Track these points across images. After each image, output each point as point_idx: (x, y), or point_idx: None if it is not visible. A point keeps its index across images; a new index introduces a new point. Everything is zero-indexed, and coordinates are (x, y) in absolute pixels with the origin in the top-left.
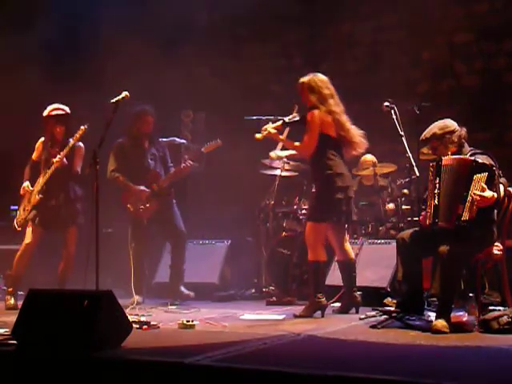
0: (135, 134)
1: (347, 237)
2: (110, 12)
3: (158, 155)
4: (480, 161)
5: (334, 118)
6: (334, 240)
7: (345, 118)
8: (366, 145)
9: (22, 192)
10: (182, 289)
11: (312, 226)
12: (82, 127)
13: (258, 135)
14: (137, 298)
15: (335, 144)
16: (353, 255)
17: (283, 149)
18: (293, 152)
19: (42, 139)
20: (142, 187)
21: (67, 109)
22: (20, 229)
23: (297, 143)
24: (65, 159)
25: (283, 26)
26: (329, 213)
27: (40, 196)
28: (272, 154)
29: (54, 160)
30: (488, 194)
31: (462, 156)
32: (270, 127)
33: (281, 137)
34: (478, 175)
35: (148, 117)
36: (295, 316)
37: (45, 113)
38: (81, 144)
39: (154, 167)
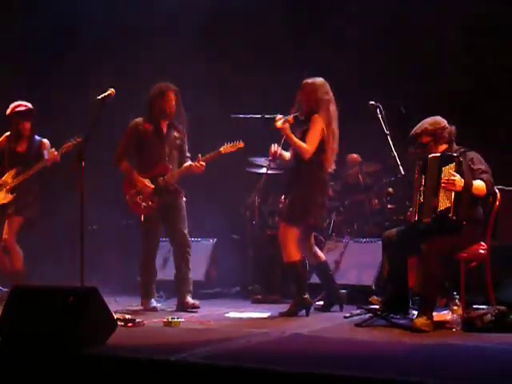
0: (154, 114)
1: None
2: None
3: (175, 142)
4: (447, 153)
5: (328, 127)
6: (303, 244)
7: (334, 128)
8: (331, 167)
9: None
10: (188, 299)
11: (283, 227)
12: (77, 139)
13: (279, 123)
14: (145, 301)
15: (323, 151)
16: (323, 256)
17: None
18: (287, 156)
19: (8, 134)
20: (147, 181)
21: (30, 105)
22: None
23: (300, 142)
24: (58, 157)
25: (270, 24)
26: (299, 218)
27: (14, 195)
28: (274, 149)
29: (49, 155)
30: (455, 177)
31: (437, 153)
32: (288, 119)
33: (289, 131)
34: (446, 166)
35: (170, 94)
36: (280, 314)
37: (8, 111)
38: (45, 140)
39: (170, 156)
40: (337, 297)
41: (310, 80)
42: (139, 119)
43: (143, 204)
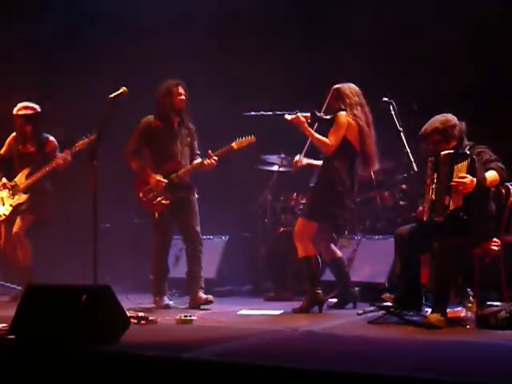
0: (165, 111)
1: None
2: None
3: (186, 140)
4: (460, 151)
5: (359, 124)
6: (320, 240)
7: (369, 131)
8: (376, 167)
9: (1, 189)
10: (200, 294)
11: (303, 223)
12: (90, 137)
13: (287, 116)
14: (157, 299)
15: (350, 151)
16: (339, 253)
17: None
18: (318, 163)
19: (14, 134)
20: (159, 176)
21: (37, 107)
22: None
23: (320, 137)
24: (69, 157)
25: (282, 20)
26: (322, 214)
27: (28, 194)
28: (297, 158)
29: (58, 158)
30: (467, 179)
31: (449, 150)
32: (300, 114)
33: (306, 125)
34: (458, 164)
35: (179, 89)
36: (293, 311)
37: (14, 110)
38: (52, 138)
39: (182, 153)
40: (350, 294)
41: (339, 84)
42: (150, 117)
43: (157, 200)
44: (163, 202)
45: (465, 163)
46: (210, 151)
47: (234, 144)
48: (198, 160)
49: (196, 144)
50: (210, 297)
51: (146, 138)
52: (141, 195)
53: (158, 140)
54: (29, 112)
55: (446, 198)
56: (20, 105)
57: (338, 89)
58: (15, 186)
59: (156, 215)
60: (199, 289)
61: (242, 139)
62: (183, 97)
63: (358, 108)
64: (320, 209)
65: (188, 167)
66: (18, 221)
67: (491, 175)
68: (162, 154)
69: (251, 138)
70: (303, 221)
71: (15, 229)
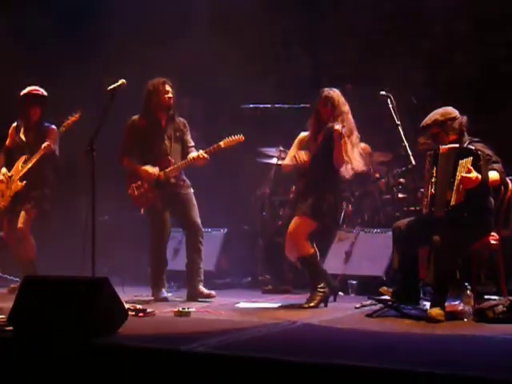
0: (152, 109)
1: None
2: None
3: (175, 135)
4: (465, 146)
5: (349, 136)
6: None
7: (355, 137)
8: (361, 168)
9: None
10: (202, 288)
11: (304, 221)
12: (75, 115)
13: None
14: (155, 292)
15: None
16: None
17: None
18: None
19: (15, 124)
20: (148, 166)
21: (45, 92)
22: None
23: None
24: (52, 145)
25: (281, 14)
26: (326, 216)
27: (23, 182)
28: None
29: (43, 145)
30: (472, 175)
31: (451, 145)
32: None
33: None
34: (463, 160)
35: (166, 87)
36: (303, 308)
37: (23, 92)
38: (54, 126)
39: (171, 149)
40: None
41: (331, 92)
42: (135, 117)
43: (143, 196)
44: (149, 197)
45: (469, 159)
46: (200, 151)
47: (221, 143)
48: (191, 155)
49: (189, 137)
50: (213, 292)
51: (134, 139)
52: (129, 192)
53: (146, 139)
54: (41, 93)
55: (448, 193)
56: (30, 87)
57: (336, 97)
58: (11, 176)
59: (142, 211)
60: (199, 282)
61: (230, 138)
62: (171, 94)
63: (350, 117)
64: (323, 212)
65: (177, 165)
66: (23, 215)
67: (493, 176)
68: (151, 153)
69: (240, 138)
70: (303, 219)
71: (20, 224)
